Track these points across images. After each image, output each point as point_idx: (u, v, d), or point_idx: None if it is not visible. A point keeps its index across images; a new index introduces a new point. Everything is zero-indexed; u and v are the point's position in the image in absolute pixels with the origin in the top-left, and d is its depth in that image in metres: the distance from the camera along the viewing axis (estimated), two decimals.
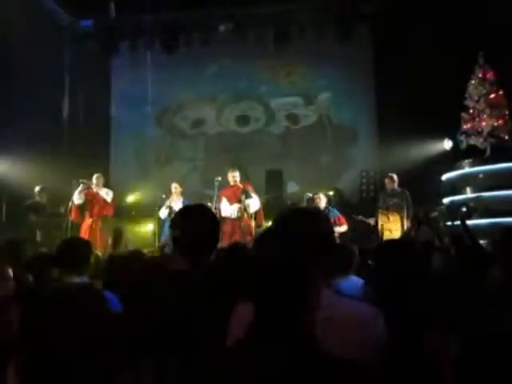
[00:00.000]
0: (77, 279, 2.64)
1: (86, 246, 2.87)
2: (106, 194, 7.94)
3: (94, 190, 7.97)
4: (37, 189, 8.09)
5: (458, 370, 2.05)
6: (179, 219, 2.11)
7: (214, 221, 2.13)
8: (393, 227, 7.66)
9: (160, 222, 8.25)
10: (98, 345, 2.13)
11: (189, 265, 1.93)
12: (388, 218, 7.76)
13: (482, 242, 5.68)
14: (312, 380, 1.08)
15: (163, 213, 8.04)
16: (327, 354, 1.14)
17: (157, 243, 8.04)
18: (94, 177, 8.04)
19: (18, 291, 2.84)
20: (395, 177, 8.00)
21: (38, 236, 7.72)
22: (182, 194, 8.20)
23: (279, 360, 1.11)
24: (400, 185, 7.99)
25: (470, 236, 4.09)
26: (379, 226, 7.76)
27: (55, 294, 2.49)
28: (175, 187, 8.19)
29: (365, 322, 1.42)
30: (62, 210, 8.12)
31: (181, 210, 2.24)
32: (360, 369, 1.15)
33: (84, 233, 7.65)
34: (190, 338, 1.68)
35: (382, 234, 7.65)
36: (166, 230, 7.75)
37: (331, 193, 9.26)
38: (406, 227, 7.58)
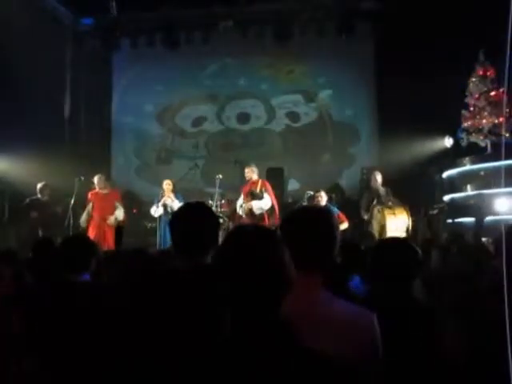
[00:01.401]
0: (79, 277, 2.65)
1: (89, 243, 2.87)
2: (115, 220, 7.91)
3: (97, 189, 8.06)
4: (39, 186, 8.04)
5: (458, 368, 2.06)
6: (178, 218, 2.09)
7: (213, 219, 2.11)
8: (399, 224, 7.57)
9: (158, 220, 8.24)
10: (100, 343, 2.14)
11: (188, 264, 1.94)
12: (394, 215, 7.63)
13: (482, 239, 5.70)
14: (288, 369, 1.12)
15: (157, 211, 8.02)
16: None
17: (157, 241, 8.05)
18: (96, 177, 8.09)
19: (20, 290, 2.85)
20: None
21: (40, 234, 7.71)
22: (174, 190, 8.18)
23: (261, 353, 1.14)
24: (400, 183, 8.04)
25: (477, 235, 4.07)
26: (385, 224, 7.67)
27: (59, 293, 2.51)
28: (168, 184, 8.17)
29: (355, 326, 1.42)
30: (60, 209, 8.14)
31: (180, 209, 2.21)
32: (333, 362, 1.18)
33: (91, 232, 7.74)
34: (184, 338, 1.68)
35: (383, 232, 7.59)
36: (164, 227, 7.81)
37: (332, 190, 9.26)
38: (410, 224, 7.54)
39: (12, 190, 8.50)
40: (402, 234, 7.30)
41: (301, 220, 1.60)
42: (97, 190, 8.07)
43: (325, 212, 1.69)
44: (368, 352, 1.40)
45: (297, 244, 1.51)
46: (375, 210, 7.80)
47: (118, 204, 8.13)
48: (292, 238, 1.54)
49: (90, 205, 8.07)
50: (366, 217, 7.83)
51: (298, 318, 1.33)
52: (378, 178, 8.06)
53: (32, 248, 3.61)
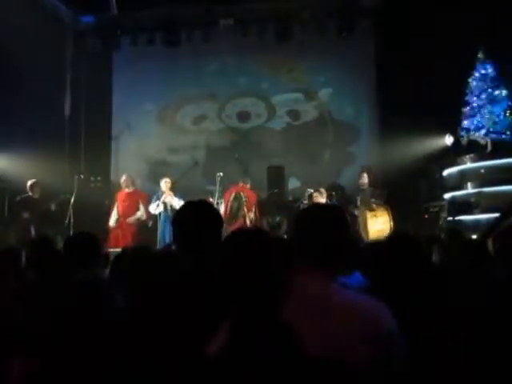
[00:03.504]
0: (83, 276, 2.65)
1: (94, 241, 2.84)
2: (136, 220, 8.32)
3: (124, 189, 8.42)
4: (29, 183, 7.91)
5: (459, 364, 2.06)
6: (180, 216, 2.09)
7: (215, 217, 2.10)
8: (383, 227, 7.73)
9: (158, 218, 8.27)
10: (102, 342, 2.14)
11: (190, 264, 1.93)
12: (376, 216, 7.85)
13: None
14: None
15: (157, 208, 8.05)
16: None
17: (158, 239, 8.07)
18: (123, 176, 8.58)
19: (23, 288, 2.86)
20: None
21: (33, 232, 7.61)
22: (172, 188, 8.22)
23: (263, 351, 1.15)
24: (400, 181, 8.12)
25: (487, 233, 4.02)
26: (367, 227, 7.87)
27: (61, 291, 2.51)
28: (166, 182, 8.19)
29: (374, 318, 1.40)
30: (53, 207, 8.02)
31: (182, 207, 2.19)
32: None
33: (112, 230, 8.09)
34: (185, 338, 1.68)
35: (366, 234, 7.74)
36: (163, 225, 7.86)
37: (332, 189, 9.29)
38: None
39: (12, 189, 8.48)
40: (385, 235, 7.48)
41: (314, 217, 1.60)
42: (124, 190, 8.28)
43: (338, 209, 1.70)
44: (377, 345, 1.38)
45: (310, 241, 1.52)
46: (359, 211, 8.02)
47: (141, 204, 8.24)
48: (305, 235, 1.54)
49: (116, 205, 8.22)
50: (356, 212, 8.13)
51: (313, 314, 1.33)
52: (364, 177, 8.32)
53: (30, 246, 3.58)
